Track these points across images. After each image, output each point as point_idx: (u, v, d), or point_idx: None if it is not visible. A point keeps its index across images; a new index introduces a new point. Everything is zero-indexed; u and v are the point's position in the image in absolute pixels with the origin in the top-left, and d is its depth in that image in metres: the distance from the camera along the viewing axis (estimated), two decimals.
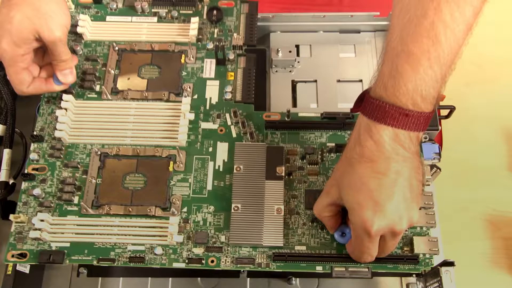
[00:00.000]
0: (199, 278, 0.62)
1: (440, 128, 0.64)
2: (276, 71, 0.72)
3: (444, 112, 0.66)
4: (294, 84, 0.72)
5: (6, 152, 0.64)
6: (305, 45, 0.74)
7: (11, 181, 0.63)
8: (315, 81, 0.72)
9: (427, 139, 0.64)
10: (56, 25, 0.56)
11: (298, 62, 0.73)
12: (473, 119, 0.84)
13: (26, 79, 0.59)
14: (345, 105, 0.70)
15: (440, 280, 0.55)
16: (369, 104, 0.48)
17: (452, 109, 0.65)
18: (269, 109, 0.69)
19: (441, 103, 0.68)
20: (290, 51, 0.71)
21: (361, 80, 0.72)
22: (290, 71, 0.72)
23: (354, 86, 0.71)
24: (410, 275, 0.60)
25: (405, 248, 0.56)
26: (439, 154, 0.63)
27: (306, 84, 0.72)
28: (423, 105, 0.46)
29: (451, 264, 0.55)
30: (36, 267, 0.61)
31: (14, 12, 0.54)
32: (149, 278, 0.62)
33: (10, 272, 0.58)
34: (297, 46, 0.74)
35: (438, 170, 0.62)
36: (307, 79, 0.72)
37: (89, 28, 0.68)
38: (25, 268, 0.59)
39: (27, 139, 0.65)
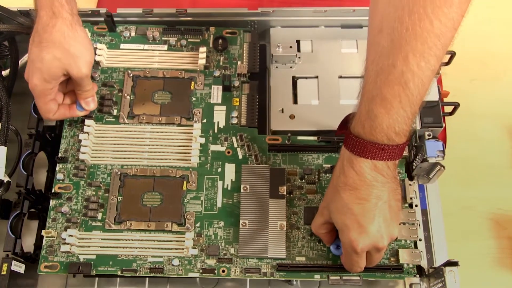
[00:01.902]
0: (198, 278, 0.66)
1: (444, 125, 0.67)
2: (277, 67, 0.73)
3: (448, 109, 0.68)
4: (295, 80, 0.73)
5: (1, 149, 0.65)
6: (306, 40, 0.74)
7: (6, 179, 0.65)
8: (317, 77, 0.73)
9: (431, 136, 0.65)
10: (83, 63, 0.62)
11: (299, 57, 0.73)
12: (477, 116, 0.81)
13: (53, 108, 0.65)
14: (347, 102, 0.71)
15: (444, 280, 0.58)
16: (350, 140, 0.54)
17: (456, 105, 0.67)
18: (269, 108, 0.72)
19: (446, 100, 0.71)
20: (290, 47, 0.72)
21: (363, 76, 0.74)
22: (290, 67, 0.73)
23: (356, 82, 0.68)
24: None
25: (392, 259, 0.65)
26: (443, 151, 0.64)
27: (307, 80, 0.73)
28: (397, 139, 0.53)
29: (455, 264, 0.58)
30: (31, 267, 0.64)
31: (44, 53, 0.60)
32: (147, 278, 0.67)
33: (4, 272, 0.60)
34: (298, 42, 0.75)
35: (442, 168, 0.64)
36: (308, 75, 0.73)
37: (105, 55, 0.75)
38: (20, 268, 0.62)
39: (22, 136, 0.69)
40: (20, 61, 0.74)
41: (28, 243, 0.67)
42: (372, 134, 0.53)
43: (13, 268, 0.61)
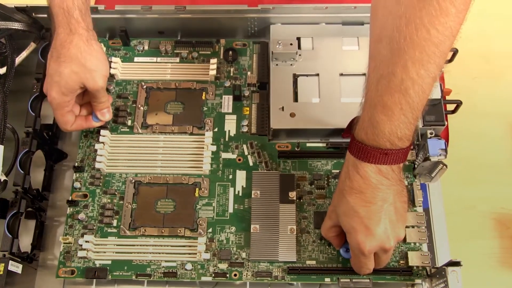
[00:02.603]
0: (197, 281, 0.66)
1: (446, 123, 0.67)
2: (277, 64, 0.72)
3: (450, 107, 0.68)
4: (295, 78, 0.72)
5: None
6: (307, 38, 0.74)
7: (3, 178, 0.65)
8: (317, 75, 0.72)
9: (433, 135, 0.65)
10: (99, 77, 0.65)
11: (300, 55, 0.72)
12: (480, 114, 0.80)
13: (70, 119, 0.68)
14: (348, 100, 0.70)
15: (446, 280, 0.58)
16: (354, 145, 0.56)
17: (459, 103, 0.67)
18: (269, 106, 0.71)
19: (448, 97, 0.71)
20: (291, 44, 0.71)
21: (364, 74, 0.70)
22: (291, 65, 0.72)
23: (357, 80, 0.70)
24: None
25: (401, 262, 0.65)
26: (445, 150, 0.64)
27: (308, 78, 0.72)
28: (400, 144, 0.54)
29: (457, 264, 0.58)
30: (28, 267, 0.65)
31: (63, 68, 0.63)
32: (145, 280, 0.66)
33: (1, 272, 0.60)
34: (298, 39, 0.74)
35: (445, 166, 0.64)
36: (309, 72, 0.72)
37: (120, 68, 0.77)
38: (17, 268, 0.62)
39: (19, 134, 0.68)
40: (17, 59, 0.73)
41: (25, 243, 0.67)
42: (375, 140, 0.54)
43: (10, 268, 0.61)
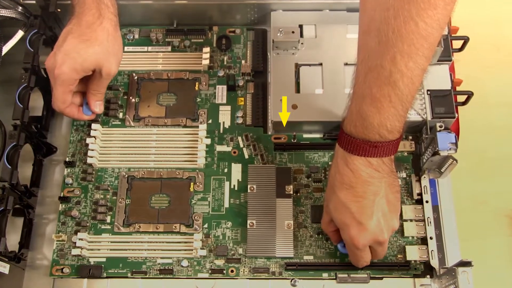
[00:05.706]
0: (194, 279, 0.65)
1: (456, 115, 0.64)
2: (278, 53, 0.70)
3: (461, 98, 0.65)
4: (297, 68, 0.70)
5: None
6: (309, 25, 0.71)
7: None
8: (320, 64, 0.69)
9: (443, 128, 0.62)
10: (117, 63, 0.64)
11: (302, 43, 0.70)
12: (492, 106, 0.76)
13: (68, 100, 0.65)
14: None
15: (457, 281, 0.56)
16: (343, 138, 0.55)
17: (469, 95, 0.65)
18: (270, 98, 0.70)
19: (458, 88, 0.68)
20: (293, 32, 0.68)
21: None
22: (293, 53, 0.70)
23: None
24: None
25: (399, 256, 0.65)
26: (456, 144, 0.61)
27: (311, 68, 0.70)
28: (390, 136, 0.53)
29: (468, 264, 0.55)
30: (16, 267, 0.63)
31: (85, 46, 0.62)
32: (140, 279, 0.65)
33: None
34: (301, 26, 0.71)
35: (455, 161, 0.61)
36: (312, 62, 0.70)
37: None
38: (4, 268, 0.60)
39: (7, 127, 0.67)
40: (4, 48, 0.70)
41: (12, 242, 0.64)
42: (364, 132, 0.53)
43: None
